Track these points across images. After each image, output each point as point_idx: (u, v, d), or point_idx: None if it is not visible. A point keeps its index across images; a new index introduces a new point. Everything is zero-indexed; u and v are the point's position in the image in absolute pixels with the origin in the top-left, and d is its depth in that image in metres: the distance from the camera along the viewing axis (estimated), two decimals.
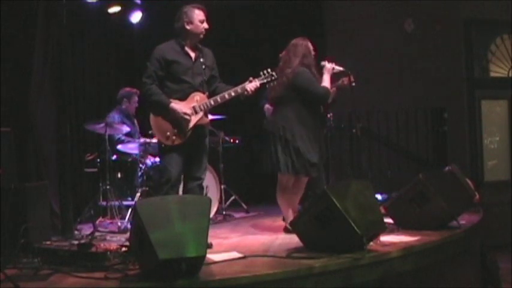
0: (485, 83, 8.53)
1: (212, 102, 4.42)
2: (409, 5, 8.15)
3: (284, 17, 8.13)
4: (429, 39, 8.12)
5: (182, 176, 4.50)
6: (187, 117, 4.31)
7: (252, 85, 4.43)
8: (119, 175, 6.11)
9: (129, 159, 6.13)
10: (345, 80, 5.28)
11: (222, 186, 6.61)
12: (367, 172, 7.40)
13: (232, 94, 4.42)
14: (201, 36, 4.45)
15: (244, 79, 4.53)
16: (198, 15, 4.41)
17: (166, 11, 7.22)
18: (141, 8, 7.09)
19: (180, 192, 4.65)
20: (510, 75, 8.52)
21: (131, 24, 7.13)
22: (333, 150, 6.57)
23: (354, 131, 6.81)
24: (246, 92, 4.43)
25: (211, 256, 3.67)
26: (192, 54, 4.47)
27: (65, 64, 5.58)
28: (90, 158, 6.17)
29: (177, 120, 4.32)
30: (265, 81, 4.52)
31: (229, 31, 8.02)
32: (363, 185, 4.14)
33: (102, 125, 5.75)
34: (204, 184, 4.73)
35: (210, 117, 6.38)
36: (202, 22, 4.42)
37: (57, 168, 5.37)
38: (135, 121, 6.47)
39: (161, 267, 3.10)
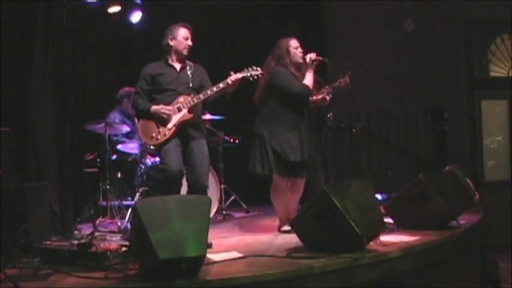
0: (485, 83, 8.54)
1: (195, 99, 4.51)
2: (409, 5, 8.15)
3: (284, 17, 8.12)
4: (429, 39, 8.12)
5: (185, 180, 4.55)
6: (167, 111, 4.44)
7: (232, 77, 4.50)
8: (119, 175, 6.11)
9: (129, 159, 6.13)
10: (342, 81, 5.28)
11: (222, 186, 6.61)
12: (367, 172, 7.40)
13: (214, 89, 4.50)
14: (185, 52, 4.61)
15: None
16: (181, 32, 4.60)
17: (166, 11, 7.26)
18: (141, 8, 7.09)
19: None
20: (510, 75, 8.53)
21: (131, 24, 7.13)
22: (332, 150, 6.57)
23: (353, 131, 6.82)
24: (227, 85, 4.48)
25: (211, 256, 3.67)
26: (177, 66, 4.63)
27: (65, 64, 5.58)
28: (90, 158, 6.18)
29: (160, 118, 4.47)
30: (248, 74, 4.56)
31: (229, 32, 8.02)
32: (363, 185, 4.14)
33: (102, 125, 5.75)
34: None
35: (210, 117, 6.44)
36: (186, 39, 4.61)
37: (57, 168, 5.37)
38: (136, 120, 6.47)
39: (161, 267, 3.10)
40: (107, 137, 5.74)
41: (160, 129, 4.47)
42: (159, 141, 4.47)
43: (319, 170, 6.04)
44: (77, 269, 3.46)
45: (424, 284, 4.13)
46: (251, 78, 4.60)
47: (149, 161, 6.04)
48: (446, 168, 5.10)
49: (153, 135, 4.49)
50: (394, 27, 8.20)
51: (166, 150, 4.45)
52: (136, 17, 7.09)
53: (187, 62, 4.65)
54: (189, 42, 4.60)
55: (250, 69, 4.60)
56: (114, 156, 6.06)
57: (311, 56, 4.91)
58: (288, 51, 4.94)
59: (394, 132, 7.87)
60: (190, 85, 4.55)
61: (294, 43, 4.97)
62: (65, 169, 5.36)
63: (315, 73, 5.00)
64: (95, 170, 6.06)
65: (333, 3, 8.29)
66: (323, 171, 6.10)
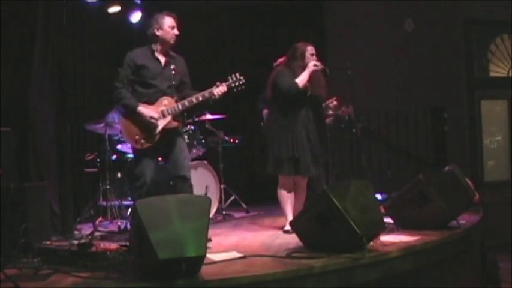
0: (485, 83, 8.55)
1: (180, 107, 4.47)
2: (409, 5, 8.16)
3: (284, 17, 8.13)
4: (429, 39, 8.12)
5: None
6: (154, 121, 4.37)
7: (219, 89, 4.48)
8: (119, 175, 6.11)
9: (129, 159, 6.13)
10: (344, 111, 5.34)
11: (222, 186, 6.60)
12: (367, 172, 7.40)
13: (200, 98, 4.48)
14: (172, 41, 4.54)
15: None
16: (167, 21, 4.52)
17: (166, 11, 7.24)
18: (141, 8, 7.08)
19: None
20: (510, 75, 8.53)
21: (131, 24, 7.13)
22: (333, 150, 6.56)
23: (353, 131, 6.81)
24: (213, 96, 4.48)
25: (211, 256, 3.67)
26: (162, 60, 4.56)
27: (65, 64, 5.57)
28: (90, 158, 6.17)
29: (145, 124, 4.38)
30: (232, 85, 4.55)
31: (229, 32, 8.02)
32: (363, 185, 4.14)
33: (102, 125, 5.75)
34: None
35: (210, 117, 6.45)
36: (172, 28, 4.52)
37: (57, 168, 5.37)
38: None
39: (161, 267, 3.10)
40: (106, 137, 5.74)
41: (145, 135, 4.39)
42: (143, 146, 4.40)
43: (319, 170, 6.04)
44: (77, 269, 3.46)
45: (424, 284, 4.13)
46: (235, 90, 4.58)
47: None
48: (446, 168, 5.10)
49: (137, 137, 4.39)
50: (394, 27, 8.20)
51: (146, 159, 4.41)
52: (136, 17, 7.08)
53: (170, 53, 4.58)
54: (176, 32, 4.52)
55: (234, 77, 4.55)
56: (114, 156, 6.06)
57: (315, 62, 4.97)
58: (303, 55, 5.03)
59: (394, 132, 7.87)
60: (173, 83, 4.51)
61: (310, 49, 5.07)
62: (65, 169, 5.36)
63: (324, 77, 5.07)
64: (95, 170, 6.05)
65: (333, 3, 8.30)
66: (323, 171, 6.10)
